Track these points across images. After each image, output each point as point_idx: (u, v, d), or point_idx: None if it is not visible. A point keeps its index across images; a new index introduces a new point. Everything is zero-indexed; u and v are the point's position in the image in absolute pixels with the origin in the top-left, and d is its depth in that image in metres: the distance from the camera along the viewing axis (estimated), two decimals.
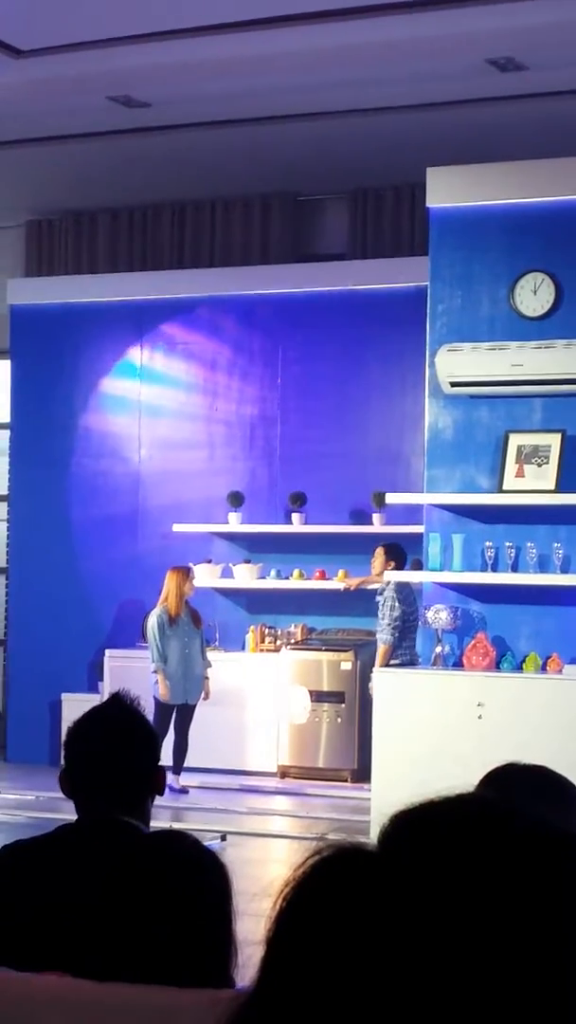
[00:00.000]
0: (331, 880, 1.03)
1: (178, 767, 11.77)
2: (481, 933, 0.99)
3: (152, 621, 11.99)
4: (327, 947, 1.00)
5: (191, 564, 12.53)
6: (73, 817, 3.33)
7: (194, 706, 11.94)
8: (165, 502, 13.56)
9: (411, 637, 10.95)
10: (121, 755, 3.30)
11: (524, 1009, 0.98)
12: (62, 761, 3.44)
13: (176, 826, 9.31)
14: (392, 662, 11.02)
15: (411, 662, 10.76)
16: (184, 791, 11.71)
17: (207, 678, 12.02)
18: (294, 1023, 1.00)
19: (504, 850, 1.03)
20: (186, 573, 12.13)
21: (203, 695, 11.99)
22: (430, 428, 10.49)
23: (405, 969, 0.98)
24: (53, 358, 13.85)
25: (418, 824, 1.06)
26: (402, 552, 11.58)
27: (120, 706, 3.41)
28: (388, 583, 11.33)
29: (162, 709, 11.70)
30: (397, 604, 11.14)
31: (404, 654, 10.98)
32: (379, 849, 1.05)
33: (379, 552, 11.73)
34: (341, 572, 12.71)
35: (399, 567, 11.39)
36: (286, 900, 1.04)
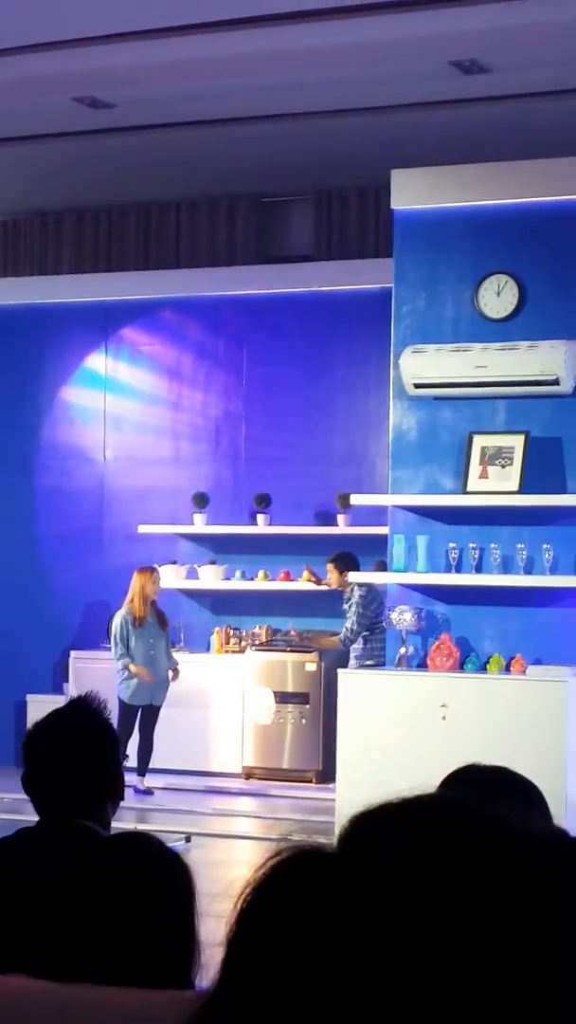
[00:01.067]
0: (290, 881, 1.04)
1: (143, 768, 11.75)
2: (439, 933, 1.00)
3: (117, 622, 11.98)
4: (286, 948, 1.01)
5: (156, 565, 12.51)
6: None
7: (159, 707, 11.92)
8: (130, 503, 13.55)
9: (380, 639, 10.95)
10: (80, 759, 3.27)
11: (484, 1008, 0.99)
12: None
13: (141, 827, 9.30)
14: (367, 662, 11.06)
15: (381, 664, 10.77)
16: (149, 792, 11.69)
17: (176, 673, 11.98)
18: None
19: (461, 850, 1.03)
20: (151, 574, 12.11)
21: (172, 676, 11.95)
22: (394, 429, 10.50)
23: (363, 970, 0.99)
24: (18, 359, 13.82)
25: (377, 825, 1.06)
26: (352, 558, 11.59)
27: (82, 710, 3.39)
28: (352, 588, 11.35)
29: (126, 710, 11.69)
30: (363, 610, 11.20)
31: (378, 655, 10.97)
32: (338, 850, 1.05)
33: (330, 567, 11.73)
34: (305, 570, 12.56)
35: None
36: (245, 901, 1.05)
